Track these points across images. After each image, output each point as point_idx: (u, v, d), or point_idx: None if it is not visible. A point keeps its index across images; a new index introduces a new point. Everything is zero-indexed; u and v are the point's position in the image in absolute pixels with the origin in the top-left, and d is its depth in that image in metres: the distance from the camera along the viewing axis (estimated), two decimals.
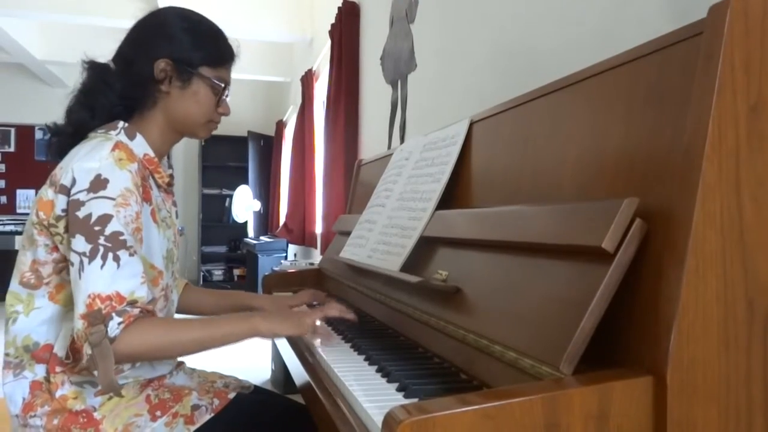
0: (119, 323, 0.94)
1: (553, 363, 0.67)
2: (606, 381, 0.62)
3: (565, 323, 0.68)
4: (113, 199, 0.99)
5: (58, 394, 1.03)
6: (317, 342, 1.16)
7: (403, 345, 1.13)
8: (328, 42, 3.89)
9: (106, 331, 0.93)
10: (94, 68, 1.16)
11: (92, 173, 1.00)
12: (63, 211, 1.02)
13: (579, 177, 0.85)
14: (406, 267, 1.18)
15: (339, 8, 3.54)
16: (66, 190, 1.01)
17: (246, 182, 6.79)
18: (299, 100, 5.25)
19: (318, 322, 1.14)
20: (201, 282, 7.51)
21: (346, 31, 3.43)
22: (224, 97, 1.22)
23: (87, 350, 0.94)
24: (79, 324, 0.94)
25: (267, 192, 7.10)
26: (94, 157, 1.02)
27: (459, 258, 1.04)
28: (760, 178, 0.65)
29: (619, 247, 0.67)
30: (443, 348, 0.99)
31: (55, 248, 1.05)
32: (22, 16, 5.09)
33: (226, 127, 8.47)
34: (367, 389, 0.86)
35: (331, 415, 0.83)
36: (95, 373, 0.95)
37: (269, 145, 7.30)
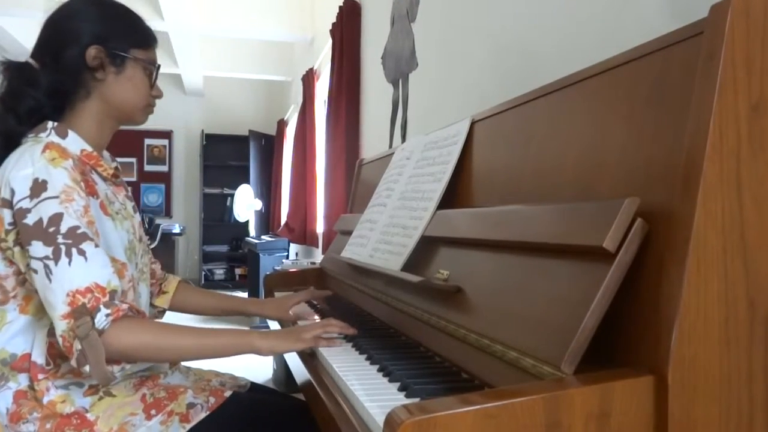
0: (107, 315, 0.93)
1: (554, 362, 0.67)
2: (607, 380, 0.62)
3: (567, 323, 0.68)
4: (57, 197, 0.98)
5: (45, 400, 1.02)
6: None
7: (405, 344, 1.13)
8: (329, 41, 3.89)
9: (93, 323, 0.92)
10: (13, 69, 1.13)
11: (29, 179, 0.99)
12: (10, 224, 1.00)
13: (580, 176, 0.85)
14: (408, 266, 1.18)
15: (340, 7, 3.54)
16: (8, 203, 1.00)
17: (247, 181, 6.80)
18: (300, 100, 5.25)
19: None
20: (202, 281, 7.52)
21: (347, 30, 3.43)
22: (155, 79, 1.21)
23: (77, 346, 0.92)
24: (63, 324, 0.93)
25: (268, 191, 7.10)
26: (27, 163, 1.00)
27: (460, 257, 1.04)
28: (761, 178, 0.65)
29: (620, 247, 0.67)
30: (444, 347, 0.99)
31: (12, 261, 1.04)
32: (24, 15, 5.10)
33: (227, 126, 8.46)
34: (368, 389, 0.86)
35: (333, 414, 0.83)
36: (86, 368, 0.93)
37: (270, 145, 7.31)
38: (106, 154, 1.23)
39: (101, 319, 0.93)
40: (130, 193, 1.28)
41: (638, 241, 0.67)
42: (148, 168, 7.88)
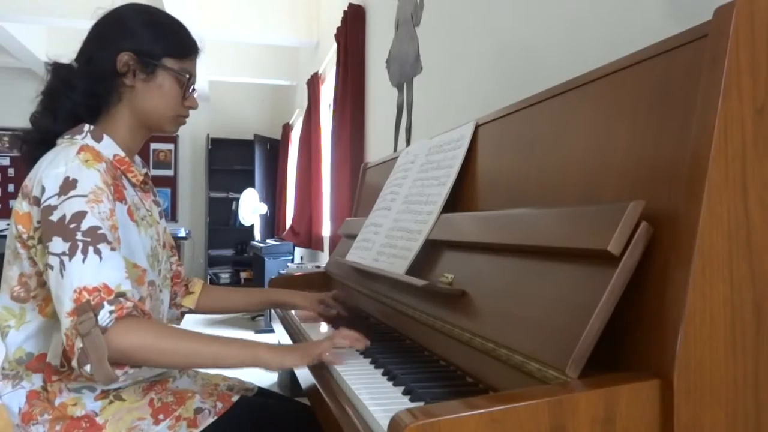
0: (110, 312, 0.91)
1: (559, 366, 0.67)
2: (612, 384, 0.61)
3: (572, 327, 0.68)
4: (85, 196, 0.98)
5: (57, 402, 1.03)
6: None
7: (409, 348, 1.13)
8: (334, 45, 3.90)
9: (96, 320, 0.90)
10: (56, 69, 1.14)
11: (60, 178, 0.99)
12: (39, 222, 1.01)
13: (584, 180, 0.85)
14: (412, 270, 1.18)
15: (345, 11, 3.55)
16: (38, 201, 1.00)
17: (253, 185, 6.81)
18: (305, 104, 5.27)
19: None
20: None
21: (351, 34, 3.44)
22: (190, 90, 1.20)
23: (78, 344, 0.90)
24: (68, 322, 0.91)
25: (273, 195, 7.12)
26: (60, 163, 1.01)
27: (465, 261, 1.04)
28: (766, 181, 0.64)
29: (625, 250, 0.66)
30: (449, 351, 0.99)
31: (36, 261, 1.04)
32: (31, 21, 5.13)
33: (232, 130, 8.43)
34: (373, 393, 0.86)
35: (337, 418, 0.83)
36: (87, 368, 0.90)
37: (276, 149, 7.33)
38: (137, 159, 1.24)
39: (104, 316, 0.91)
40: (158, 198, 1.29)
41: (643, 244, 0.67)
42: (153, 172, 7.83)
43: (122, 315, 0.92)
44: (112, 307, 0.92)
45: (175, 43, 1.17)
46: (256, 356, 1.01)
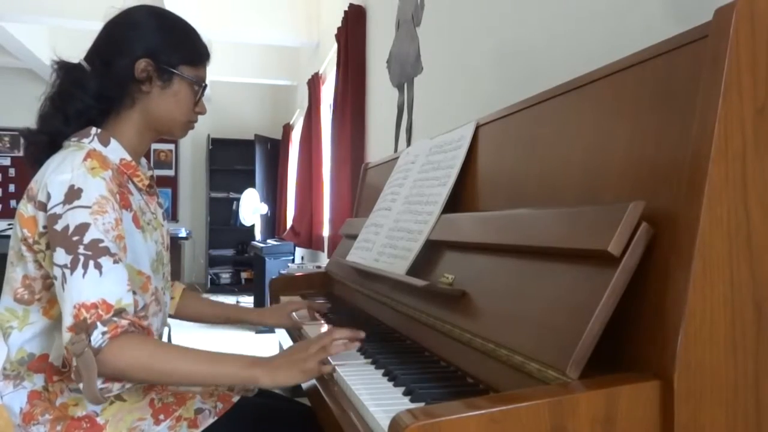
0: (103, 333, 0.91)
1: (559, 367, 0.67)
2: (613, 385, 0.61)
3: (572, 327, 0.68)
4: (89, 207, 0.97)
5: (58, 402, 1.03)
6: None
7: (410, 349, 1.13)
8: (335, 45, 3.90)
9: (89, 341, 0.90)
10: (65, 69, 1.13)
11: (65, 185, 0.99)
12: (44, 228, 1.00)
13: (585, 180, 0.85)
14: (413, 270, 1.18)
15: (345, 12, 3.55)
16: (43, 206, 1.00)
17: (253, 185, 6.82)
18: (306, 104, 5.27)
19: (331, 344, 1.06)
20: (209, 285, 7.54)
21: (352, 34, 3.44)
22: (202, 96, 1.21)
23: (73, 362, 0.91)
24: (67, 337, 0.92)
25: (274, 195, 7.12)
26: (66, 169, 1.00)
27: (465, 261, 1.04)
28: (766, 181, 0.64)
29: (625, 251, 0.66)
30: (449, 351, 0.99)
31: (42, 264, 1.04)
32: (32, 21, 5.14)
33: (233, 130, 8.42)
34: (373, 393, 0.86)
35: (338, 419, 0.83)
36: (80, 386, 0.92)
37: (276, 149, 7.33)
38: (143, 161, 1.23)
39: (97, 337, 0.90)
40: (161, 200, 1.29)
41: (643, 244, 0.67)
42: (155, 173, 7.91)
43: (117, 334, 0.92)
44: (105, 328, 0.91)
45: (190, 51, 1.18)
46: (253, 377, 0.98)
